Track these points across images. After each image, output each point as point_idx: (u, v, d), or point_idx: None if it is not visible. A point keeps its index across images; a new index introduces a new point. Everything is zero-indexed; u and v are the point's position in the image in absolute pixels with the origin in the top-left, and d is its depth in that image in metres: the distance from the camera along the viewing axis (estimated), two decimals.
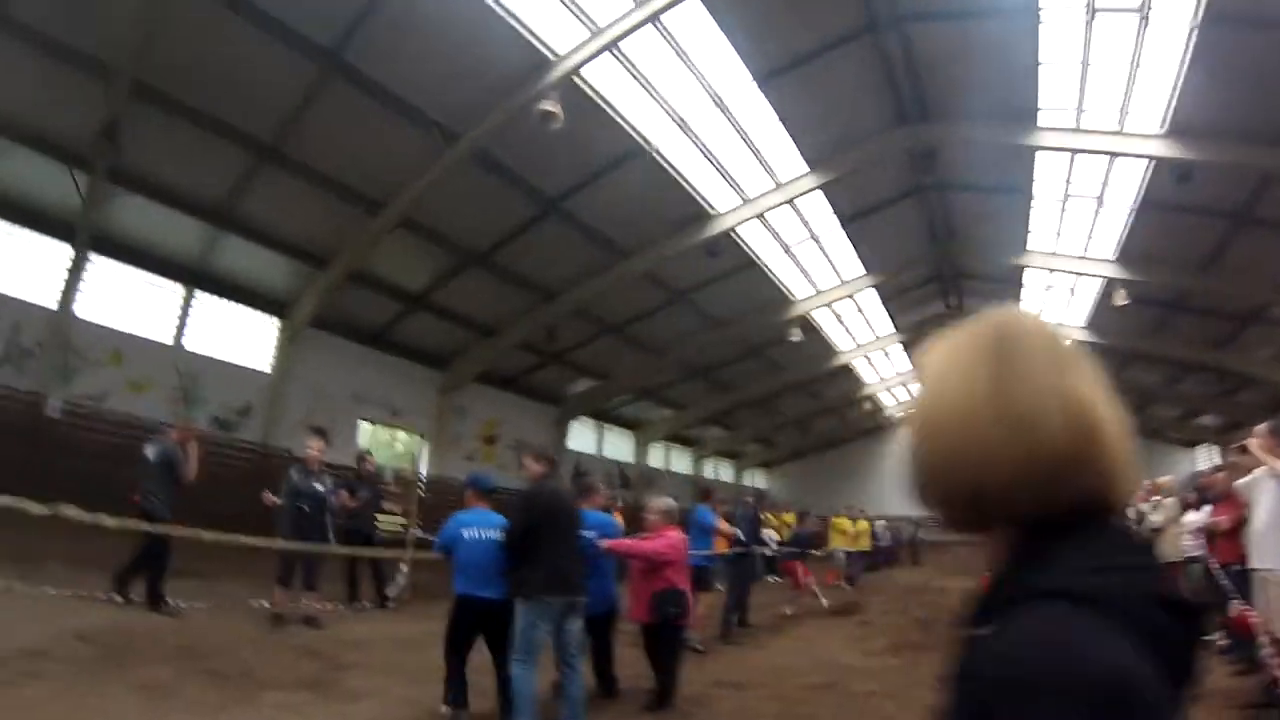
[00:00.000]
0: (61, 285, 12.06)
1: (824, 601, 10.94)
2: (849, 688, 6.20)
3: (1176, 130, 11.42)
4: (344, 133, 11.62)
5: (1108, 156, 12.58)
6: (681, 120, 12.30)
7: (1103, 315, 18.89)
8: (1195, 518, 8.14)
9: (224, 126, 11.18)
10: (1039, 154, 13.14)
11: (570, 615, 4.78)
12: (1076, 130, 12.21)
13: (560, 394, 22.53)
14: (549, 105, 10.39)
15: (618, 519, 13.27)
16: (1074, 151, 12.63)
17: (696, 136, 12.76)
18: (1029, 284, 19.12)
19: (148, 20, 9.19)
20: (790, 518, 18.89)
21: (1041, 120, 12.29)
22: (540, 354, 19.63)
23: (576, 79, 10.91)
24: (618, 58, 10.84)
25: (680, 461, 29.93)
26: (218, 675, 5.21)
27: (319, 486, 7.58)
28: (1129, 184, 13.34)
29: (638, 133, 12.45)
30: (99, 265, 12.71)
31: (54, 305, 12.01)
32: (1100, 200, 14.11)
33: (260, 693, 5.04)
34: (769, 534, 14.77)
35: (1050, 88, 11.64)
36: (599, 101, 11.61)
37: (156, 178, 11.93)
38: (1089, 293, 18.46)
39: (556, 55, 10.62)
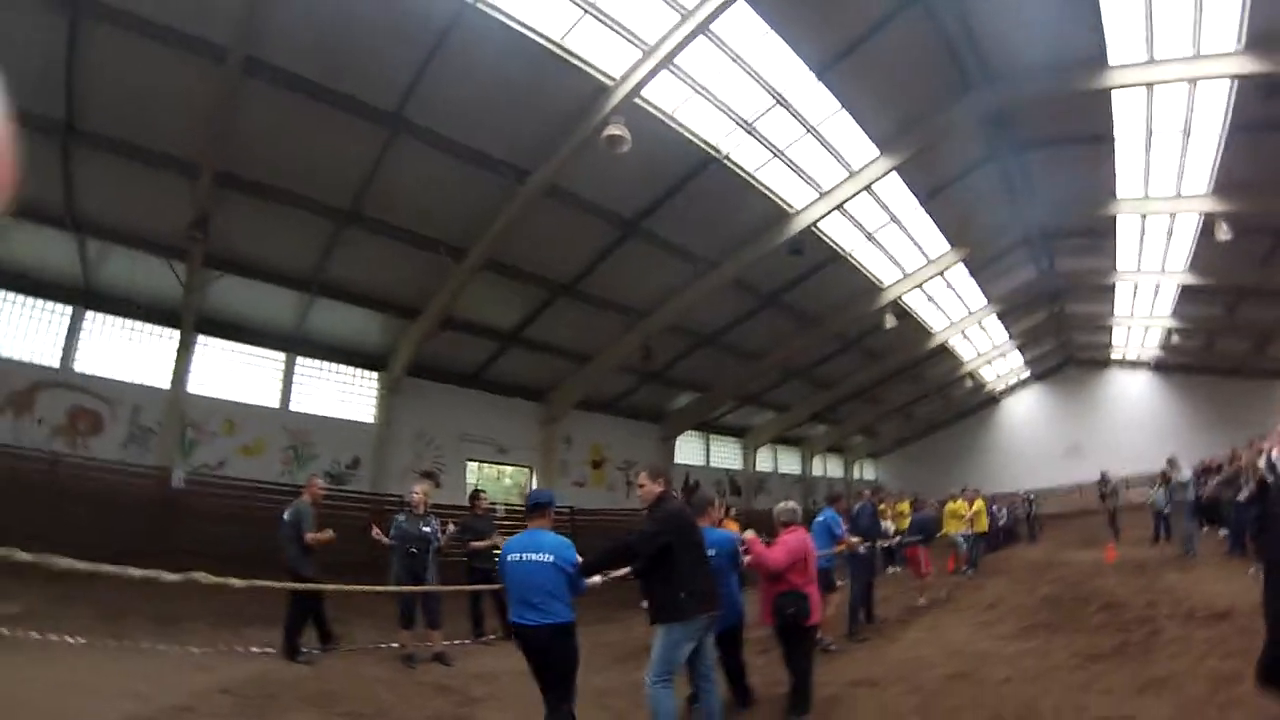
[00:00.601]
0: (172, 366, 13.07)
1: (921, 600, 10.27)
2: (985, 675, 5.90)
3: (1256, 41, 10.46)
4: (417, 186, 11.95)
5: (1187, 84, 11.69)
6: (747, 124, 12.15)
7: (1206, 253, 17.55)
8: None
9: (304, 200, 11.79)
10: (1114, 94, 12.27)
11: (709, 631, 4.65)
12: (1150, 63, 11.36)
13: (663, 411, 22.65)
14: (614, 130, 10.38)
15: (733, 529, 13.12)
16: (1150, 85, 11.77)
17: (764, 137, 12.58)
18: (1122, 233, 17.91)
19: (222, 116, 9.74)
20: (905, 506, 18.28)
21: (1111, 58, 11.48)
22: (639, 374, 19.72)
23: (638, 100, 10.84)
24: (674, 73, 10.77)
25: (788, 462, 29.72)
26: (356, 717, 5.36)
27: (425, 529, 7.71)
28: (1214, 109, 12.32)
29: (705, 143, 12.36)
30: (205, 344, 13.70)
31: (168, 385, 13.02)
32: (1186, 132, 13.12)
33: None
34: (887, 525, 14.36)
35: (1115, 22, 10.84)
36: (663, 118, 11.56)
37: (248, 257, 12.71)
38: (1188, 232, 17.12)
39: (613, 80, 10.61)
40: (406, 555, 7.55)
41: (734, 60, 10.82)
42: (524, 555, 4.48)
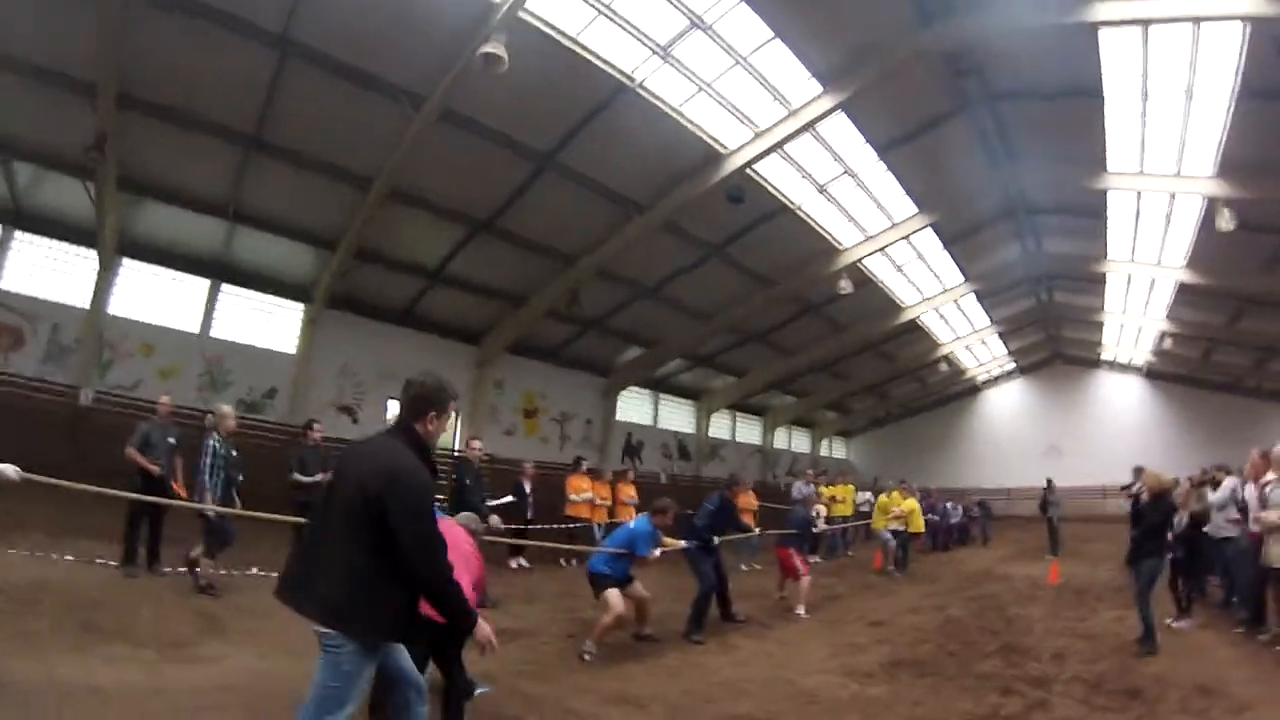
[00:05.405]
0: (92, 287, 12.24)
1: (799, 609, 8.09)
2: None
3: None
4: (315, 112, 10.54)
5: (1190, 24, 9.11)
6: (663, 49, 10.06)
7: (1207, 248, 14.62)
8: None
9: (208, 124, 10.53)
10: (1102, 33, 9.67)
11: (327, 648, 2.45)
12: None
13: (609, 364, 20.48)
14: (490, 48, 8.71)
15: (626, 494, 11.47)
16: (1145, 23, 9.19)
17: (685, 67, 10.44)
18: (1114, 213, 15.00)
19: (115, 36, 8.72)
20: (845, 491, 16.25)
21: None
22: (580, 323, 17.59)
23: (524, 14, 9.02)
24: None
25: (748, 431, 26.97)
26: (90, 628, 4.82)
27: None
28: (1223, 65, 9.72)
29: (615, 69, 10.31)
30: (128, 267, 12.80)
31: (87, 305, 12.20)
32: (1189, 94, 10.51)
33: (107, 646, 4.52)
34: (819, 510, 12.43)
35: None
36: (561, 39, 9.65)
37: (162, 181, 11.67)
38: (1188, 220, 14.25)
39: None
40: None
41: None
42: None
